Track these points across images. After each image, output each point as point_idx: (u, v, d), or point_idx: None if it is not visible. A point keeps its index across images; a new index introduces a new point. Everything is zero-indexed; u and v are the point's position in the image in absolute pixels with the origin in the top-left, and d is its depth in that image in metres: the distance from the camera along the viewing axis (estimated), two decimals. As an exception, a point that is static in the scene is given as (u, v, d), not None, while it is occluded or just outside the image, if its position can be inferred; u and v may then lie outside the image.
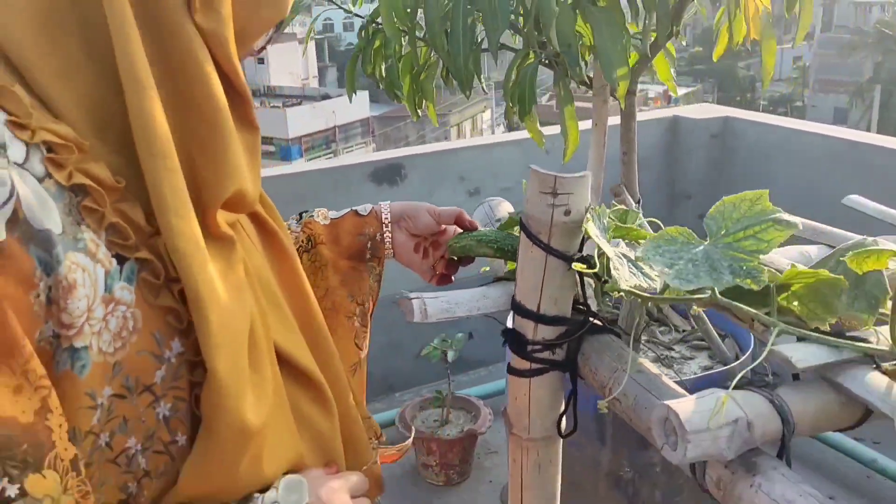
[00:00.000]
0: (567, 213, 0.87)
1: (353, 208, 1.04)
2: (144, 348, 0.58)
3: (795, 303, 0.84)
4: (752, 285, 0.76)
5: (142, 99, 0.56)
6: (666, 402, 0.71)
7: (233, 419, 0.59)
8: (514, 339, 0.95)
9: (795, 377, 0.81)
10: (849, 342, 0.76)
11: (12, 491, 0.49)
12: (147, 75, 0.56)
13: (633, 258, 0.85)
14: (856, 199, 1.35)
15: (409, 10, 1.48)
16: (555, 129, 2.84)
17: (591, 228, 0.85)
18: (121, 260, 0.58)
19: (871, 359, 0.77)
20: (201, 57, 0.58)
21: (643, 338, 1.99)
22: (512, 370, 0.98)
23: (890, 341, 0.75)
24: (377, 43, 1.71)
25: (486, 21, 1.40)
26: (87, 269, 0.55)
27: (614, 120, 2.80)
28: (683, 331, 2.05)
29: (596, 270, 0.87)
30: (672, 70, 1.87)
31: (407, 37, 1.53)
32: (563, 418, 0.99)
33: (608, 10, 1.37)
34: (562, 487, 1.85)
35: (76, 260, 0.54)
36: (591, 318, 0.94)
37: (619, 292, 0.89)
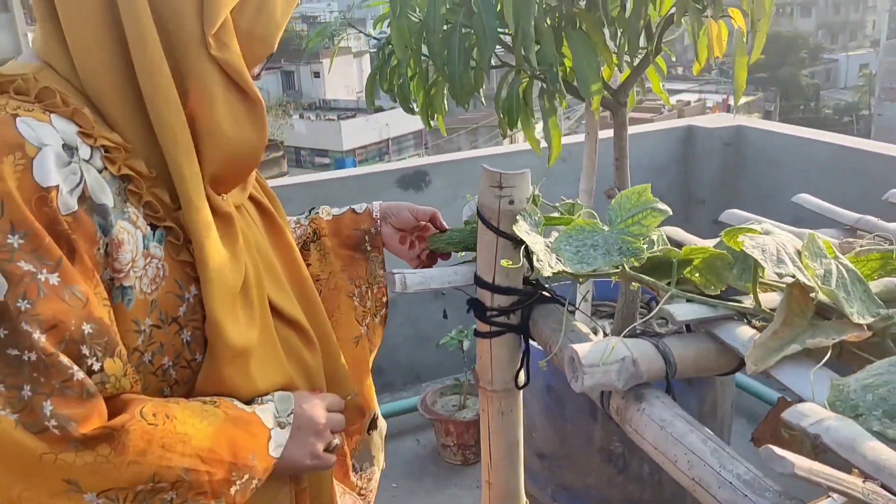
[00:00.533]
0: (511, 202, 1.08)
1: (352, 207, 1.26)
2: (171, 290, 0.82)
3: (697, 274, 1.03)
4: (635, 262, 0.97)
5: (170, 114, 0.79)
6: (571, 344, 0.92)
7: (222, 342, 0.82)
8: (477, 307, 1.16)
9: (688, 329, 1.01)
10: (722, 302, 0.96)
11: (96, 366, 0.74)
12: (175, 96, 0.78)
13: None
14: (804, 198, 1.52)
15: (414, 34, 1.71)
16: (577, 139, 3.04)
17: (521, 227, 1.06)
18: (153, 227, 0.81)
19: (745, 316, 0.96)
20: (211, 83, 0.81)
21: (639, 329, 2.17)
22: (477, 333, 1.19)
23: (755, 302, 0.94)
24: (393, 62, 1.94)
25: (479, 43, 1.62)
26: (130, 232, 0.78)
27: (633, 129, 2.95)
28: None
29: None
30: (662, 83, 2.05)
31: (414, 57, 1.75)
32: (520, 373, 1.20)
33: (583, 32, 1.58)
34: (557, 460, 2.05)
35: (123, 226, 0.78)
36: (539, 291, 1.15)
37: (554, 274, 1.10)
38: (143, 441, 0.74)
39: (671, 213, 1.00)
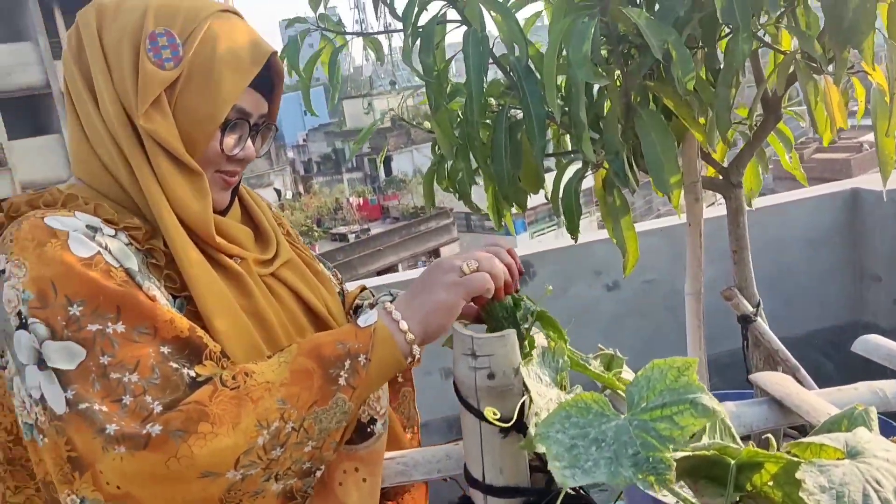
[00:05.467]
0: (490, 375, 0.78)
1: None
2: None
3: (770, 483, 0.68)
4: (654, 482, 0.62)
5: (154, 190, 0.88)
6: None
7: None
8: (469, 510, 0.86)
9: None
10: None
11: (191, 374, 0.79)
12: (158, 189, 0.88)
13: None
14: (867, 341, 1.05)
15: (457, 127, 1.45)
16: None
17: (528, 371, 0.75)
18: (174, 297, 0.87)
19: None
20: (153, 155, 0.88)
21: None
22: (473, 544, 0.88)
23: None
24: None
25: (528, 131, 1.34)
26: (158, 294, 0.83)
27: (784, 196, 2.49)
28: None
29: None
30: (787, 156, 1.65)
31: (461, 154, 1.49)
32: None
33: (652, 111, 1.25)
34: None
35: (151, 286, 0.83)
36: (551, 488, 0.83)
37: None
38: (234, 402, 0.77)
39: (722, 416, 0.66)
